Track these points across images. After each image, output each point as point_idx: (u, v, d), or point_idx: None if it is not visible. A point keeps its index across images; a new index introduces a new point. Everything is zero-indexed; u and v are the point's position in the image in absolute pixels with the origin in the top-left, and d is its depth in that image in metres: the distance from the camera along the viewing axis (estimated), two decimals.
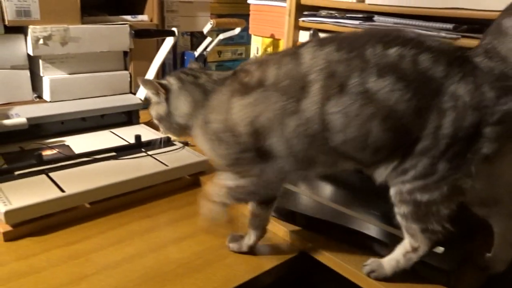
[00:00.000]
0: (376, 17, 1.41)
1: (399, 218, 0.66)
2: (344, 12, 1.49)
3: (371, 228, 0.81)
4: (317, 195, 0.93)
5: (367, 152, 0.62)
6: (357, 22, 1.41)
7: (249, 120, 0.66)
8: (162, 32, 1.34)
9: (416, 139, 0.59)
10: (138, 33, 1.19)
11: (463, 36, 1.16)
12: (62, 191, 0.89)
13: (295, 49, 0.67)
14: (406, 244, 0.68)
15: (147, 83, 0.76)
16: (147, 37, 1.07)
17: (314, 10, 1.58)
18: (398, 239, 0.72)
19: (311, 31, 1.13)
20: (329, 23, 1.50)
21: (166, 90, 0.74)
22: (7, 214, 0.80)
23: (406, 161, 0.60)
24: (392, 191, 0.64)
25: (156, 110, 0.76)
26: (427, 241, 0.66)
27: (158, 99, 0.75)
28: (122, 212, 0.94)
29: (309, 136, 0.63)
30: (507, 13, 0.60)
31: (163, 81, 0.76)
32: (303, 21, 1.60)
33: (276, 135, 0.65)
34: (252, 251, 0.79)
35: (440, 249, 0.73)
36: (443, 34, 1.19)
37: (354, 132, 0.61)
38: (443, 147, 0.57)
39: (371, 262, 0.73)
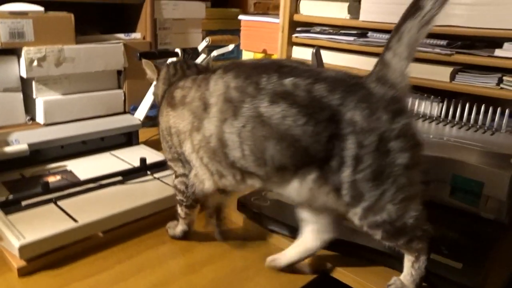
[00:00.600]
0: (370, 33, 1.45)
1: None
2: (338, 28, 1.52)
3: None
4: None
5: (268, 168, 0.68)
6: (351, 38, 1.44)
7: (173, 129, 0.80)
8: (166, 54, 1.33)
9: (327, 164, 0.64)
10: (143, 55, 1.18)
11: (457, 52, 1.20)
12: (75, 220, 0.86)
13: (209, 75, 0.76)
14: (408, 257, 0.71)
15: (146, 64, 0.90)
16: (152, 58, 1.06)
17: (308, 26, 1.61)
18: None
19: (314, 50, 1.15)
20: (323, 39, 1.53)
21: (158, 73, 0.88)
22: (22, 249, 0.77)
23: (329, 177, 0.65)
24: (355, 222, 0.69)
25: (153, 88, 0.91)
26: (420, 247, 0.69)
27: (154, 80, 0.89)
28: (137, 239, 0.92)
29: (211, 150, 0.73)
30: (387, 48, 0.67)
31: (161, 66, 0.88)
32: (296, 37, 1.62)
33: (188, 145, 0.77)
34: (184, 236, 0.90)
35: (458, 265, 0.75)
36: (437, 50, 1.24)
37: (249, 150, 0.68)
38: (359, 169, 0.63)
39: (394, 281, 0.75)
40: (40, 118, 1.34)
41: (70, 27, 1.35)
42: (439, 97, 1.27)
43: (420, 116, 1.09)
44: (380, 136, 0.62)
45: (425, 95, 1.24)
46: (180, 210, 0.89)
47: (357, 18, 1.41)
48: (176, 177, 0.87)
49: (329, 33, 1.52)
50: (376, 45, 1.37)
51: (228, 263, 0.85)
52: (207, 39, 1.54)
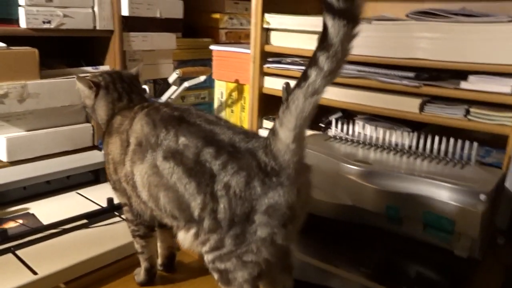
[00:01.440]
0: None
1: None
2: (308, 59, 1.53)
3: None
4: (301, 252, 0.91)
5: (165, 214, 0.74)
6: None
7: (109, 156, 0.83)
8: None
9: (202, 218, 0.68)
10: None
11: (425, 84, 1.22)
12: (34, 273, 0.81)
13: (135, 113, 0.79)
14: None
15: (82, 80, 0.89)
16: None
17: (279, 56, 1.62)
18: None
19: (284, 85, 1.15)
20: (294, 70, 1.54)
21: (97, 88, 0.87)
22: None
23: (201, 235, 0.69)
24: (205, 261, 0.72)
25: (83, 98, 0.92)
26: None
27: (89, 92, 0.89)
28: (103, 287, 0.87)
29: (131, 185, 0.77)
30: (277, 116, 0.64)
31: (95, 79, 0.88)
32: (268, 67, 1.63)
33: (121, 174, 0.80)
34: (146, 282, 0.89)
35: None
36: (405, 82, 1.25)
37: (149, 195, 0.74)
38: (225, 228, 0.66)
39: None
40: (2, 155, 1.28)
41: (34, 62, 1.31)
42: (409, 128, 1.28)
43: (391, 148, 1.09)
44: (251, 207, 0.64)
45: (395, 126, 1.25)
46: (136, 244, 0.87)
47: None
48: (122, 206, 0.86)
49: (300, 64, 1.53)
50: (347, 76, 1.38)
51: None
52: (178, 71, 1.53)
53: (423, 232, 0.89)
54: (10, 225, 0.99)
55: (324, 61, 0.60)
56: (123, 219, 1.05)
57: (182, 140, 0.69)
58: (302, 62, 1.53)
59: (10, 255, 0.87)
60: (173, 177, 0.69)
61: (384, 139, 1.12)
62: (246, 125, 1.84)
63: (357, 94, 1.39)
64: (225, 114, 1.93)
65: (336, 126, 1.21)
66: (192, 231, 0.70)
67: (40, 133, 1.35)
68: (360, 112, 1.46)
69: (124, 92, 0.88)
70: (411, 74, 1.24)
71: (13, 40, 1.29)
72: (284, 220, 0.64)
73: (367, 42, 1.35)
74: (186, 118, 0.72)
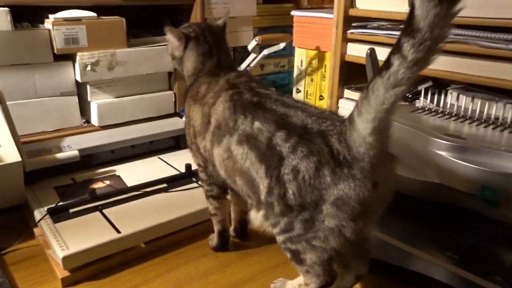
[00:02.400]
0: None
1: None
2: (397, 23, 1.40)
3: (446, 274, 0.74)
4: (381, 231, 0.86)
5: (242, 193, 0.75)
6: None
7: (191, 121, 0.83)
8: None
9: (269, 202, 0.66)
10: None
11: None
12: (118, 231, 0.87)
13: (221, 89, 0.77)
14: (301, 278, 0.72)
15: (172, 31, 0.87)
16: None
17: (364, 21, 1.50)
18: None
19: (368, 51, 1.06)
20: (381, 35, 1.42)
21: (187, 40, 0.86)
22: (65, 259, 0.78)
23: (271, 217, 0.67)
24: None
25: (172, 50, 0.89)
26: (314, 280, 0.69)
27: (178, 44, 0.87)
28: (179, 250, 0.91)
29: (210, 160, 0.79)
30: (356, 103, 0.59)
31: (185, 31, 0.87)
32: (351, 33, 1.52)
33: (198, 141, 0.81)
34: (220, 246, 0.91)
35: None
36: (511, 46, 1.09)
37: (227, 175, 0.75)
38: (295, 212, 0.63)
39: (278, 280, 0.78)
40: (94, 120, 1.38)
41: (122, 31, 1.37)
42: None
43: (490, 122, 0.96)
44: (320, 196, 0.61)
45: (496, 98, 1.11)
46: (210, 205, 0.88)
47: None
48: (197, 165, 0.88)
49: (388, 29, 1.40)
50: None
51: (267, 283, 0.81)
52: (257, 38, 1.49)
53: None
54: (99, 185, 1.06)
55: (408, 49, 0.52)
56: (200, 185, 1.07)
57: (256, 124, 0.68)
58: (390, 26, 1.41)
59: (97, 213, 0.94)
60: (247, 162, 0.68)
61: (482, 112, 1.00)
62: (325, 95, 1.77)
63: (452, 61, 1.24)
64: (304, 83, 1.88)
65: (426, 97, 1.10)
66: (262, 212, 0.69)
67: (127, 100, 1.42)
68: (454, 82, 1.32)
69: (214, 47, 0.86)
70: None
71: (102, 10, 1.35)
72: (353, 215, 0.60)
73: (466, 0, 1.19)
74: (263, 103, 0.70)
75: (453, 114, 1.02)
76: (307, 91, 1.87)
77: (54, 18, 1.25)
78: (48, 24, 1.27)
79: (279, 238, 0.68)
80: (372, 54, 1.06)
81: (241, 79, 0.79)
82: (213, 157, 0.76)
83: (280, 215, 0.65)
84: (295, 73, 1.92)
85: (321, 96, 1.82)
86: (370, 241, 0.72)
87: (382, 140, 0.59)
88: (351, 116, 0.60)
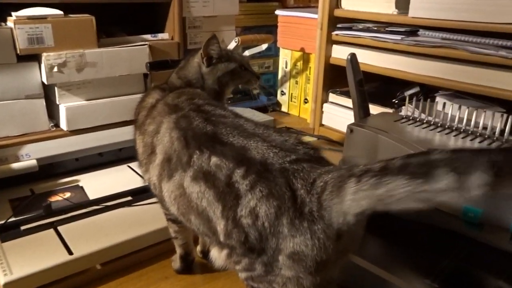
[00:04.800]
0: (421, 31, 1.26)
1: None
2: (383, 25, 1.34)
3: None
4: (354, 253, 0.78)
5: (199, 231, 0.66)
6: (398, 37, 1.26)
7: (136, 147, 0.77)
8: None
9: (230, 245, 0.60)
10: (153, 66, 1.08)
11: None
12: (70, 252, 0.79)
13: (162, 115, 0.70)
14: None
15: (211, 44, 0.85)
16: (164, 69, 0.95)
17: (350, 22, 1.44)
18: None
19: (349, 56, 0.99)
20: (366, 38, 1.35)
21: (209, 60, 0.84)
22: (7, 286, 0.71)
23: (234, 255, 0.61)
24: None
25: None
26: None
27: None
28: (138, 271, 0.84)
29: (156, 194, 0.72)
30: (358, 172, 0.50)
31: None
32: (336, 34, 1.46)
33: (142, 171, 0.75)
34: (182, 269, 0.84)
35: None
36: (502, 53, 1.03)
37: (180, 213, 0.66)
38: (255, 254, 0.57)
39: None
40: (63, 124, 1.30)
41: (91, 30, 1.29)
42: (503, 109, 1.07)
43: (477, 133, 0.90)
44: (275, 244, 0.54)
45: (484, 106, 1.04)
46: (170, 228, 0.82)
47: (406, 13, 1.23)
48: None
49: (373, 31, 1.34)
50: (428, 45, 1.18)
51: None
52: (236, 39, 1.42)
53: (510, 242, 0.72)
54: (57, 198, 0.99)
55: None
56: None
57: (214, 160, 0.60)
58: (375, 28, 1.34)
59: (51, 230, 0.87)
60: (203, 201, 0.61)
61: (469, 120, 0.93)
62: (310, 98, 1.70)
63: (440, 67, 1.18)
64: (289, 85, 1.81)
65: (411, 104, 1.04)
66: (225, 251, 0.62)
67: (98, 103, 1.34)
68: (441, 88, 1.25)
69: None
70: (510, 43, 1.02)
71: (69, 8, 1.27)
72: (311, 270, 0.53)
73: (455, 3, 1.12)
74: (219, 135, 0.62)
75: (439, 125, 0.96)
76: (291, 94, 1.80)
77: (16, 16, 1.17)
78: (10, 22, 1.19)
79: (241, 275, 0.62)
80: (352, 59, 0.99)
81: (181, 98, 0.72)
82: (162, 192, 0.68)
83: (242, 255, 0.59)
84: (280, 75, 1.85)
85: (305, 99, 1.75)
86: (334, 282, 0.65)
87: (361, 228, 0.54)
88: (341, 182, 0.51)
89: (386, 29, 1.31)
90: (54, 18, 1.21)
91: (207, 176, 0.60)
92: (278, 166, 0.56)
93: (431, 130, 0.95)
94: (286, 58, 1.79)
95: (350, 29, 1.41)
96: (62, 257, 0.78)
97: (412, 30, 1.26)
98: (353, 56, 0.99)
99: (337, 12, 1.44)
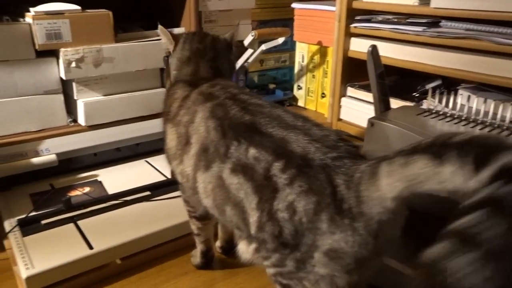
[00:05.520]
0: (443, 23, 1.22)
1: None
2: (404, 16, 1.31)
3: None
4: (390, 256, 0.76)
5: (230, 224, 0.65)
6: (419, 28, 1.23)
7: (167, 140, 0.74)
8: None
9: (261, 239, 0.59)
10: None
11: None
12: (90, 247, 0.79)
13: (196, 104, 0.68)
14: None
15: (162, 31, 0.86)
16: None
17: (369, 14, 1.41)
18: None
19: (370, 48, 0.97)
20: (386, 30, 1.32)
21: (176, 42, 0.83)
22: (29, 279, 0.71)
23: (262, 251, 0.60)
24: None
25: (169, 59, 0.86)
26: None
27: (170, 46, 0.85)
28: (157, 266, 0.84)
29: (189, 187, 0.69)
30: (389, 157, 0.49)
31: (176, 33, 0.85)
32: (355, 27, 1.43)
33: (174, 164, 0.72)
34: (203, 265, 0.83)
35: None
36: None
37: (212, 204, 0.65)
38: (287, 250, 0.56)
39: None
40: (81, 120, 1.30)
41: (108, 25, 1.28)
42: None
43: (504, 127, 0.87)
44: (313, 241, 0.53)
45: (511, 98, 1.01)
46: (192, 225, 0.81)
47: (428, 4, 1.19)
48: (178, 183, 0.79)
49: (393, 23, 1.31)
50: (451, 36, 1.15)
51: None
52: (253, 33, 1.41)
53: None
54: (76, 193, 0.99)
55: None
56: None
57: (252, 152, 0.59)
58: (395, 20, 1.31)
59: (71, 225, 0.87)
60: (241, 193, 0.60)
61: (495, 114, 0.90)
62: (328, 92, 1.68)
63: (463, 59, 1.15)
64: (305, 80, 1.79)
65: (433, 97, 1.01)
66: (254, 245, 0.61)
67: (115, 98, 1.34)
68: (464, 81, 1.22)
69: (196, 56, 0.81)
70: None
71: (87, 3, 1.27)
72: (347, 269, 0.52)
73: None
74: (257, 126, 0.60)
75: (463, 118, 0.93)
76: (308, 88, 1.78)
77: (35, 11, 1.17)
78: (28, 18, 1.19)
79: (270, 271, 0.60)
80: (373, 51, 0.97)
81: (215, 87, 0.70)
82: (197, 183, 0.66)
83: (273, 251, 0.57)
84: (296, 69, 1.82)
85: (323, 94, 1.72)
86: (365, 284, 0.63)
87: (402, 211, 0.51)
88: (375, 168, 0.50)
89: (407, 20, 1.27)
90: (71, 13, 1.21)
91: (245, 169, 0.59)
92: (319, 161, 0.54)
93: (455, 123, 0.92)
94: (302, 52, 1.76)
95: (369, 21, 1.39)
96: (82, 251, 0.78)
97: (434, 21, 1.23)
98: (374, 48, 0.97)
99: (356, 4, 1.41)
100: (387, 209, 0.49)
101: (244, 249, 0.63)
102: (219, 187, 0.62)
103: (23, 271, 0.72)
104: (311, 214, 0.52)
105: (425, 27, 1.22)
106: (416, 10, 1.25)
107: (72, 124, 1.34)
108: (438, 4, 1.17)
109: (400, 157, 0.47)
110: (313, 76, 1.75)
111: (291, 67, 1.88)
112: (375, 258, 0.54)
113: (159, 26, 0.84)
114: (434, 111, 0.98)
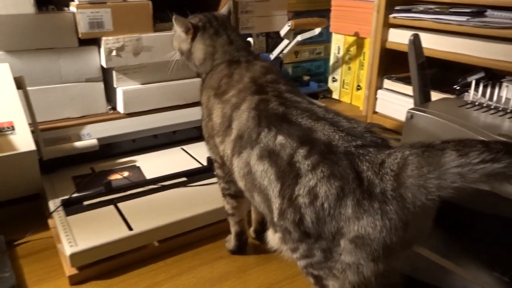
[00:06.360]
0: (488, 12, 1.18)
1: None
2: (446, 6, 1.27)
3: None
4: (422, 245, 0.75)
5: (261, 210, 0.65)
6: (463, 18, 1.18)
7: (213, 116, 0.74)
8: None
9: (284, 227, 0.59)
10: None
11: None
12: (130, 228, 0.82)
13: (247, 93, 0.69)
14: None
15: (179, 20, 0.84)
16: None
17: (408, 4, 1.37)
18: None
19: (411, 37, 0.94)
20: (427, 20, 1.29)
21: (195, 30, 0.82)
22: (73, 256, 0.74)
23: (289, 242, 0.60)
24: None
25: (179, 44, 0.87)
26: None
27: (185, 36, 0.84)
28: (193, 250, 0.85)
29: (228, 165, 0.70)
30: (457, 148, 0.47)
31: (193, 21, 0.83)
32: (394, 17, 1.40)
33: (218, 140, 0.73)
34: (237, 249, 0.84)
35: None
36: None
37: (246, 189, 0.66)
38: (312, 239, 0.56)
39: None
40: (120, 107, 1.34)
41: (148, 15, 1.31)
42: None
43: None
44: (338, 229, 0.52)
45: None
46: (226, 204, 0.81)
47: None
48: (213, 161, 0.80)
49: (435, 12, 1.27)
50: (496, 26, 1.10)
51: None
52: (290, 23, 1.40)
53: None
54: (116, 177, 1.02)
55: None
56: None
57: (279, 139, 0.60)
58: (437, 9, 1.27)
59: (112, 207, 0.89)
60: (265, 180, 0.60)
61: None
62: (363, 84, 1.65)
63: (507, 49, 1.10)
64: (341, 72, 1.76)
65: (476, 90, 0.98)
66: (278, 235, 0.61)
67: (153, 87, 1.37)
68: (510, 73, 1.17)
69: (222, 28, 0.82)
70: None
71: None
72: (374, 257, 0.51)
73: None
74: (288, 116, 0.62)
75: (508, 111, 0.90)
76: (343, 80, 1.76)
77: (79, 1, 1.21)
78: (72, 7, 1.23)
79: (300, 263, 0.61)
80: (415, 40, 0.94)
81: (267, 77, 0.71)
82: (233, 166, 0.68)
83: (298, 240, 0.58)
84: (332, 61, 1.80)
85: (358, 86, 1.70)
86: (396, 275, 0.62)
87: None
88: (406, 156, 0.49)
89: (450, 10, 1.23)
90: (113, 2, 1.25)
91: (271, 155, 0.60)
92: (343, 149, 0.54)
93: (500, 116, 0.89)
94: (338, 44, 1.74)
95: (409, 11, 1.35)
96: (123, 232, 0.80)
97: (479, 10, 1.18)
98: (416, 37, 0.95)
99: None
100: (425, 197, 0.48)
101: (271, 237, 0.64)
102: (248, 174, 0.64)
103: (67, 249, 0.75)
104: (334, 199, 0.52)
105: (469, 17, 1.18)
106: None
107: (112, 111, 1.38)
108: None
109: (450, 145, 0.47)
110: (349, 68, 1.73)
111: (326, 59, 1.86)
112: (403, 246, 0.53)
113: (174, 16, 0.84)
114: (477, 103, 0.95)
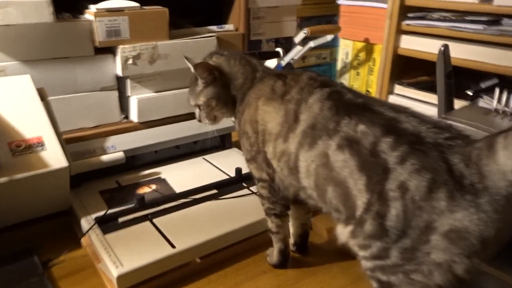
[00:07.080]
0: (505, 21, 1.20)
1: None
2: (462, 14, 1.28)
3: None
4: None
5: (328, 206, 0.64)
6: (479, 26, 1.21)
7: (260, 126, 0.73)
8: (269, 54, 1.22)
9: (363, 219, 0.57)
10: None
11: None
12: (172, 246, 0.80)
13: (313, 87, 0.68)
14: None
15: (200, 66, 0.84)
16: None
17: (423, 11, 1.39)
18: None
19: (442, 47, 0.96)
20: (443, 28, 1.31)
21: (219, 72, 0.82)
22: (120, 278, 0.73)
23: (359, 237, 0.59)
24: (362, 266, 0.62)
25: (206, 95, 0.84)
26: None
27: (210, 82, 0.82)
28: (235, 265, 0.84)
29: (290, 167, 0.69)
30: (503, 136, 0.49)
31: (213, 63, 0.85)
32: (407, 24, 1.41)
33: (270, 148, 0.72)
34: (280, 263, 0.83)
35: None
36: None
37: (312, 184, 0.65)
38: (393, 237, 0.54)
39: None
40: (134, 116, 1.31)
41: (164, 22, 1.29)
42: None
43: None
44: (429, 222, 0.51)
45: None
46: (271, 223, 0.81)
47: (490, 1, 1.17)
48: (257, 181, 0.79)
49: (451, 20, 1.29)
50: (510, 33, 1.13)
51: None
52: (305, 30, 1.40)
53: None
54: (145, 190, 1.00)
55: None
56: (253, 192, 1.00)
57: (361, 127, 0.59)
58: (453, 17, 1.29)
59: (148, 223, 0.88)
60: (345, 170, 0.59)
61: None
62: (372, 90, 1.67)
63: None
64: (349, 77, 1.77)
65: (491, 96, 1.00)
66: (349, 228, 0.60)
67: (168, 95, 1.35)
68: None
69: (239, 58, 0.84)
70: None
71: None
72: (470, 252, 0.51)
73: None
74: (370, 105, 0.62)
75: None
76: (352, 85, 1.77)
77: (97, 8, 1.18)
78: (89, 15, 1.20)
79: (367, 264, 0.59)
80: (445, 51, 0.96)
81: (323, 77, 0.72)
82: (299, 162, 0.66)
83: (372, 237, 0.56)
84: (339, 66, 1.81)
85: (367, 91, 1.71)
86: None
87: None
88: (491, 142, 0.50)
89: (465, 18, 1.25)
90: (131, 10, 1.22)
91: (352, 143, 0.58)
92: (431, 140, 0.54)
93: None
94: (347, 49, 1.75)
95: (423, 18, 1.37)
96: (166, 250, 0.79)
97: (495, 19, 1.21)
98: (446, 47, 0.96)
99: (409, 1, 1.39)
100: (506, 184, 0.49)
101: (340, 231, 0.63)
102: (322, 166, 0.62)
103: (113, 270, 0.73)
104: (425, 192, 0.51)
105: (485, 25, 1.20)
106: (476, 8, 1.23)
107: (125, 120, 1.35)
108: (502, 2, 1.15)
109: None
110: (357, 73, 1.74)
111: (332, 64, 1.87)
112: (500, 238, 0.52)
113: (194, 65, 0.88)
114: (501, 111, 0.97)
